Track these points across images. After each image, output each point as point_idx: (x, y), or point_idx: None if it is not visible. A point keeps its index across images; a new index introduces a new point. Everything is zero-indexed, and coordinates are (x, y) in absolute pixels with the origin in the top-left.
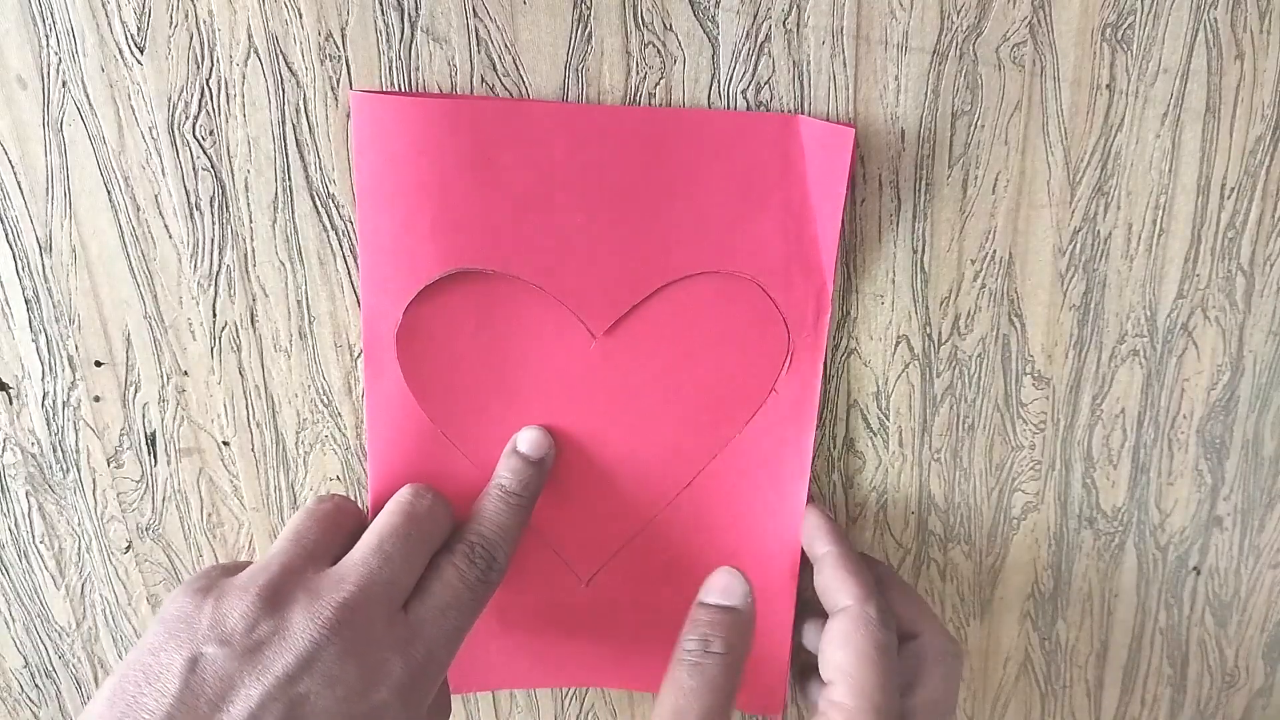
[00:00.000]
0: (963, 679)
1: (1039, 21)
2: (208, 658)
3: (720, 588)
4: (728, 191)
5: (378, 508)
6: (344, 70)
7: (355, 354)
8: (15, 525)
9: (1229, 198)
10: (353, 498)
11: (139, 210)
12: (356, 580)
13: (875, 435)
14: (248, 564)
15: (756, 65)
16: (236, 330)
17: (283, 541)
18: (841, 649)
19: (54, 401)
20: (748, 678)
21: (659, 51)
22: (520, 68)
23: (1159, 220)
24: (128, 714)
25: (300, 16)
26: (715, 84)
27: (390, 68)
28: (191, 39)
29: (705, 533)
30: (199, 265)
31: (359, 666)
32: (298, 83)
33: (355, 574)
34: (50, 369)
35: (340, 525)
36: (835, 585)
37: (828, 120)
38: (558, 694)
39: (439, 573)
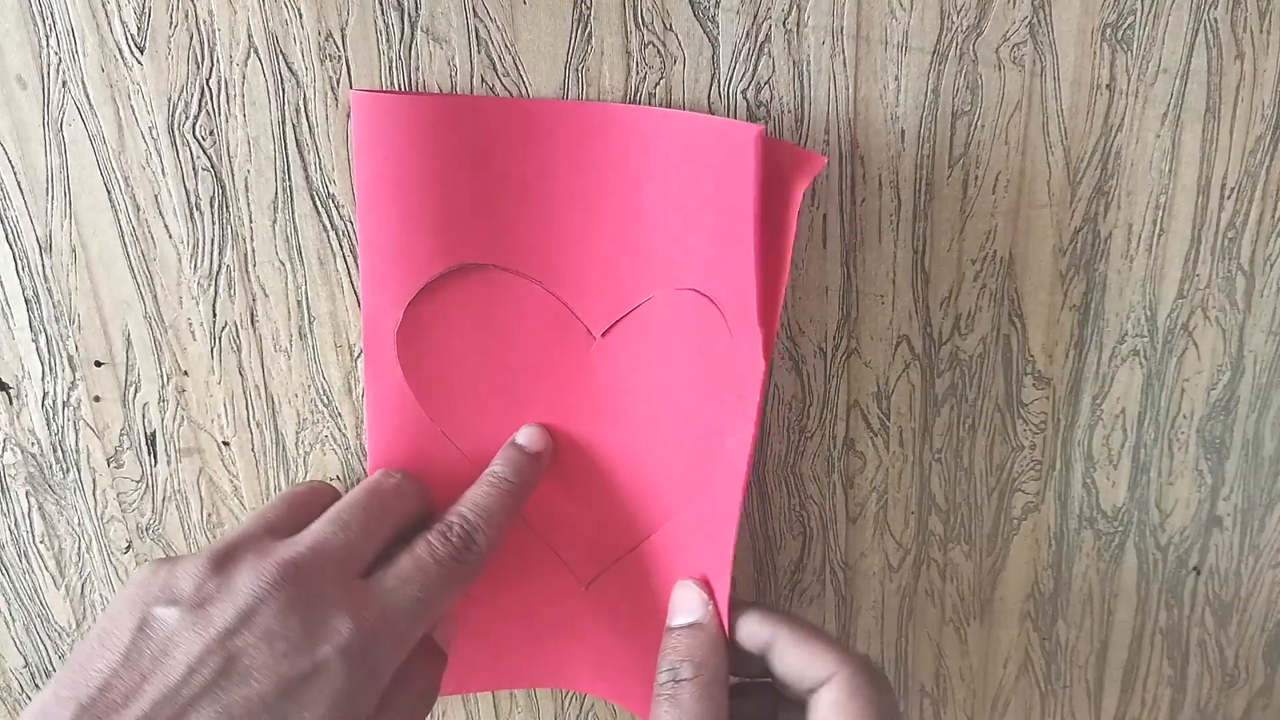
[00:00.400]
0: (899, 710)
1: (1039, 21)
2: (156, 618)
3: (681, 607)
4: (709, 204)
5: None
6: (344, 70)
7: (355, 354)
8: (15, 525)
9: (1229, 198)
10: None
11: (139, 210)
12: (308, 543)
13: (875, 435)
14: None
15: (756, 65)
16: (236, 330)
17: (248, 518)
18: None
19: (54, 401)
20: None
21: (659, 51)
22: (520, 68)
23: (1159, 220)
24: (78, 677)
25: (300, 16)
26: (715, 84)
27: (390, 68)
28: (191, 39)
29: (706, 546)
30: (199, 265)
31: (302, 624)
32: (298, 83)
33: (308, 538)
34: (50, 369)
35: (309, 504)
36: (805, 659)
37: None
38: (558, 694)
39: (410, 547)
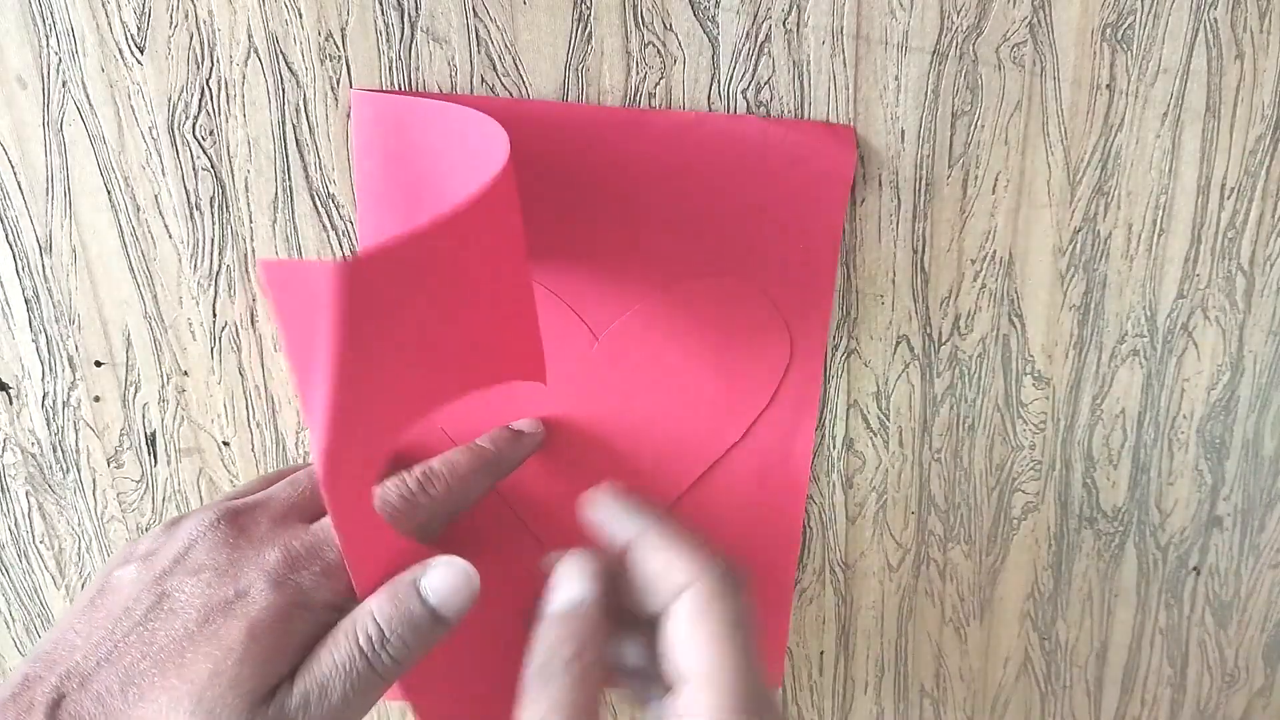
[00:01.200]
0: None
1: (1039, 21)
2: (114, 577)
3: (559, 582)
4: (729, 194)
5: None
6: (344, 70)
7: None
8: (15, 525)
9: (1229, 198)
10: None
11: (139, 210)
12: (255, 497)
13: (875, 435)
14: None
15: (756, 65)
16: (236, 330)
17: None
18: (686, 641)
19: (54, 401)
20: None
21: (659, 51)
22: (520, 68)
23: (1159, 220)
24: (44, 640)
25: (300, 16)
26: (715, 84)
27: (390, 68)
28: (191, 39)
29: (707, 535)
30: (199, 265)
31: (229, 557)
32: (298, 83)
33: (257, 495)
34: (50, 369)
35: (276, 479)
36: (662, 567)
37: (827, 121)
38: None
39: None
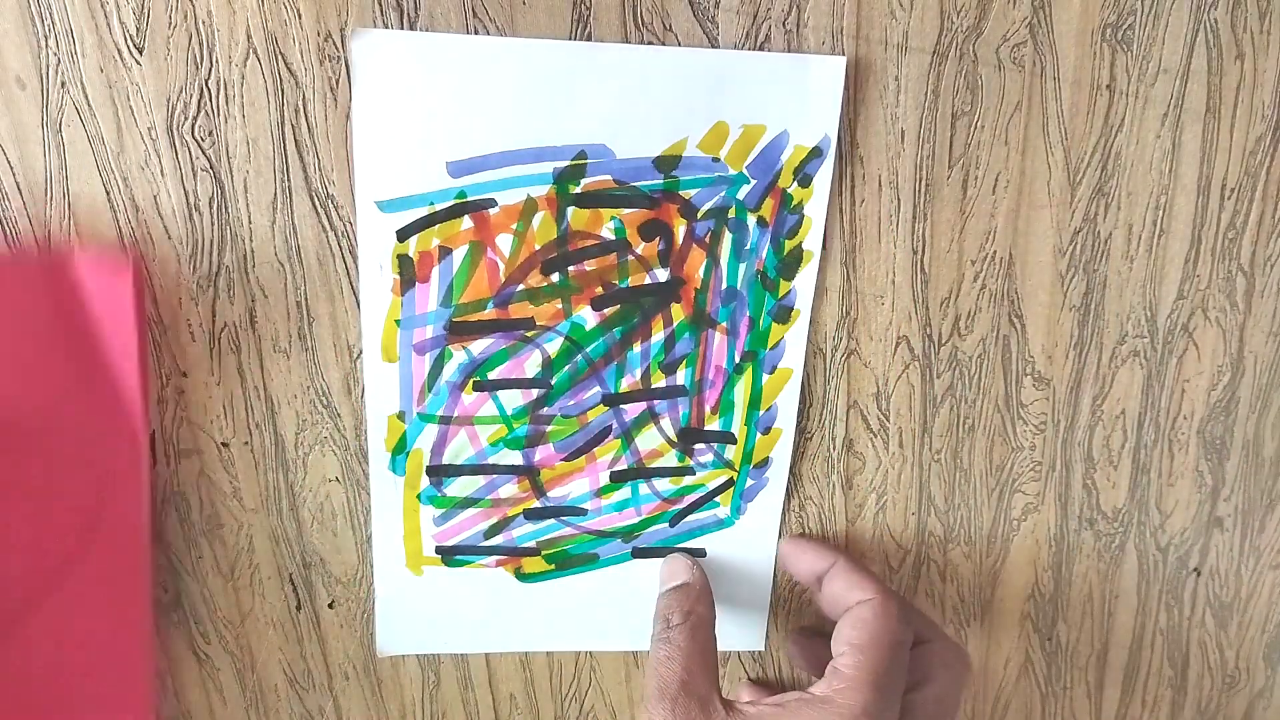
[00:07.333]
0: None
1: (1039, 21)
2: None
3: (668, 576)
4: (28, 337)
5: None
6: (344, 70)
7: (355, 354)
8: None
9: (1229, 198)
10: (352, 498)
11: (138, 211)
12: None
13: (875, 436)
14: None
15: None
16: (236, 331)
17: None
18: (856, 628)
19: None
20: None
21: None
22: None
23: (1159, 221)
24: None
25: (300, 17)
26: None
27: None
28: (191, 39)
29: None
30: (198, 266)
31: None
32: (297, 83)
33: None
34: None
35: None
36: (851, 585)
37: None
38: (557, 695)
39: None
